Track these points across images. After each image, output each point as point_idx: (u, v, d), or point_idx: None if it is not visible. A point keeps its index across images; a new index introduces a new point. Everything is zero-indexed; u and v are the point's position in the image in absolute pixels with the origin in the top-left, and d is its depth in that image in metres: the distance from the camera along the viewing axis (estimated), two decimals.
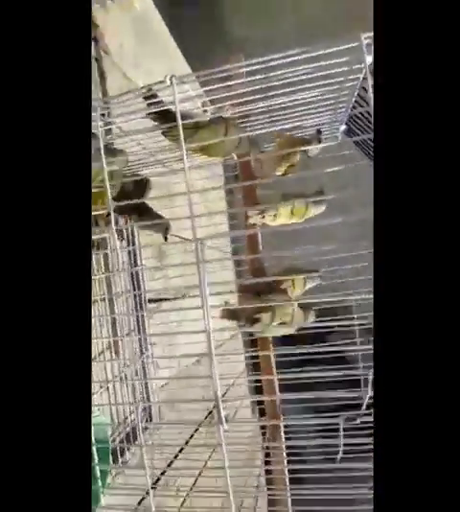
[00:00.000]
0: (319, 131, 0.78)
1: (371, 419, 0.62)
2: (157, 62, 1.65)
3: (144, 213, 0.89)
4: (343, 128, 0.81)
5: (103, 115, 0.68)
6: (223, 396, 0.55)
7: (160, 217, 0.91)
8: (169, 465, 1.10)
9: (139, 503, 0.81)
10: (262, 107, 0.66)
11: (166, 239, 0.90)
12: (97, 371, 0.89)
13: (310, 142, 0.78)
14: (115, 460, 0.83)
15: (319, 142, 0.78)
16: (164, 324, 1.32)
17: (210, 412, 1.40)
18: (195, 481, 0.85)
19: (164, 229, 0.89)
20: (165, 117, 0.66)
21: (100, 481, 0.63)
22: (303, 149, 0.76)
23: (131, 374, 1.04)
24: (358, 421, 0.61)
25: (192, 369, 1.43)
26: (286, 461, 0.82)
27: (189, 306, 0.66)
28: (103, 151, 0.62)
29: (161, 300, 1.39)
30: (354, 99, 0.69)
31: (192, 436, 1.27)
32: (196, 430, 1.32)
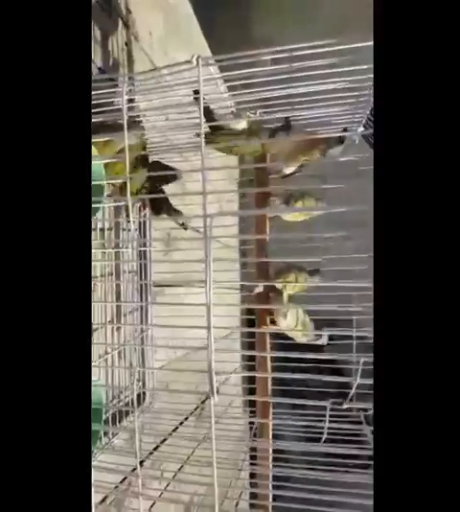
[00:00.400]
0: (342, 139, 0.79)
1: (357, 405, 0.63)
2: (184, 54, 1.68)
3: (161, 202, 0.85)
4: (361, 129, 0.82)
5: (130, 91, 0.71)
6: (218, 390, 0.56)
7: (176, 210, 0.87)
8: (156, 448, 1.12)
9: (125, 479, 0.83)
10: (282, 97, 0.67)
11: (186, 228, 0.86)
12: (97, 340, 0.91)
13: (331, 142, 0.79)
14: (106, 428, 0.85)
15: (341, 142, 0.78)
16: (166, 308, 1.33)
17: (203, 401, 1.41)
18: (183, 465, 0.86)
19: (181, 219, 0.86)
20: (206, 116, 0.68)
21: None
22: (324, 137, 0.77)
23: (130, 350, 1.06)
24: (345, 406, 0.62)
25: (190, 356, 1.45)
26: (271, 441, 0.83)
27: (194, 291, 0.68)
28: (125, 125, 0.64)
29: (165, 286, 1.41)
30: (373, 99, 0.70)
31: (186, 418, 1.29)
32: (190, 414, 1.33)
